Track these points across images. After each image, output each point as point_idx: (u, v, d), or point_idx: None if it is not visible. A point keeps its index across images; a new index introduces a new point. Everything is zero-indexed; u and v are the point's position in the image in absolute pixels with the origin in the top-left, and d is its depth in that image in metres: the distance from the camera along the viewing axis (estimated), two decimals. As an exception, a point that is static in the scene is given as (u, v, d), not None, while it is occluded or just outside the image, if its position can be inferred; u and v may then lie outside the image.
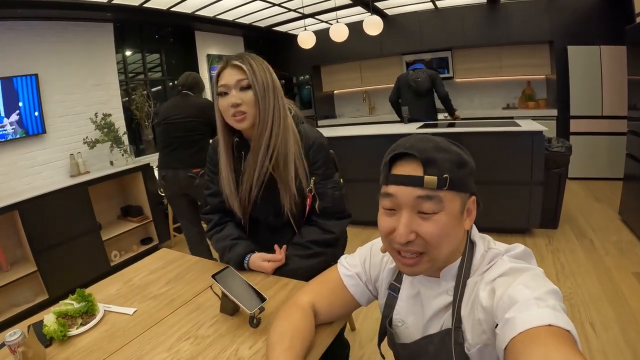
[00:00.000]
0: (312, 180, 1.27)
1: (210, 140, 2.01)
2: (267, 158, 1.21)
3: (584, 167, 4.47)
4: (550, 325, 0.52)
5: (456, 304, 0.71)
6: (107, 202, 3.54)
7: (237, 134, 1.28)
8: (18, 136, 3.10)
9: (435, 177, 0.66)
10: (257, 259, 1.29)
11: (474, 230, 0.76)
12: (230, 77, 1.18)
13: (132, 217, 3.70)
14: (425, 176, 0.67)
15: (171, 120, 2.72)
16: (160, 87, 4.86)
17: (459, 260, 0.74)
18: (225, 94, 1.19)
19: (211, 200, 1.41)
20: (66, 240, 3.03)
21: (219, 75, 1.21)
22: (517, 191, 3.07)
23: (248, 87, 1.18)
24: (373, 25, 4.26)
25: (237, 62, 1.18)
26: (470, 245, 0.75)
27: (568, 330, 0.52)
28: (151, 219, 3.72)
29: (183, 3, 3.88)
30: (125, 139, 3.75)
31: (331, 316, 0.96)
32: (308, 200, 1.28)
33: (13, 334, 0.92)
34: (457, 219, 0.70)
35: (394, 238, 0.70)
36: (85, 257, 3.15)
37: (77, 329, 1.06)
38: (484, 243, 0.76)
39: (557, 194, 3.12)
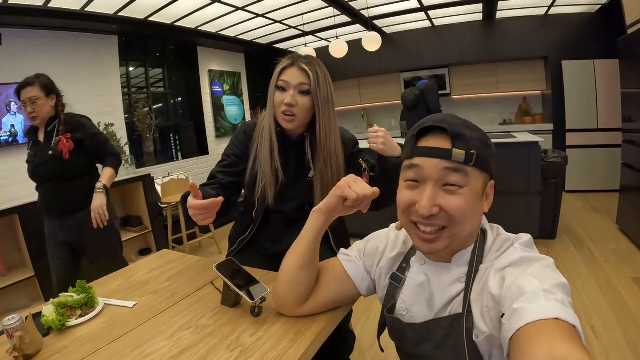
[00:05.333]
0: (361, 162, 1.34)
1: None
2: (327, 159, 1.27)
3: (581, 180, 4.52)
4: (557, 319, 0.52)
5: (469, 290, 0.71)
6: (107, 211, 3.53)
7: (279, 126, 1.29)
8: (22, 142, 3.12)
9: (464, 151, 0.67)
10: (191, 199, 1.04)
11: (484, 219, 0.78)
12: (294, 77, 1.22)
13: (131, 227, 3.68)
14: (454, 149, 0.67)
15: None
16: (161, 104, 4.91)
17: (471, 247, 0.74)
18: (284, 89, 1.22)
19: (222, 177, 1.33)
20: (65, 248, 3.00)
21: (283, 70, 1.24)
22: (515, 202, 3.08)
23: (307, 93, 1.22)
24: (371, 41, 4.37)
25: (305, 66, 1.21)
26: (482, 232, 0.76)
27: (574, 326, 0.52)
28: (150, 229, 3.70)
29: (187, 18, 3.98)
30: (126, 149, 3.78)
31: (329, 299, 0.94)
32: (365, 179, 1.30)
33: (11, 319, 0.90)
34: (479, 199, 0.71)
35: (414, 211, 0.71)
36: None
37: (76, 319, 1.04)
38: (493, 230, 0.77)
39: (554, 204, 3.13)
